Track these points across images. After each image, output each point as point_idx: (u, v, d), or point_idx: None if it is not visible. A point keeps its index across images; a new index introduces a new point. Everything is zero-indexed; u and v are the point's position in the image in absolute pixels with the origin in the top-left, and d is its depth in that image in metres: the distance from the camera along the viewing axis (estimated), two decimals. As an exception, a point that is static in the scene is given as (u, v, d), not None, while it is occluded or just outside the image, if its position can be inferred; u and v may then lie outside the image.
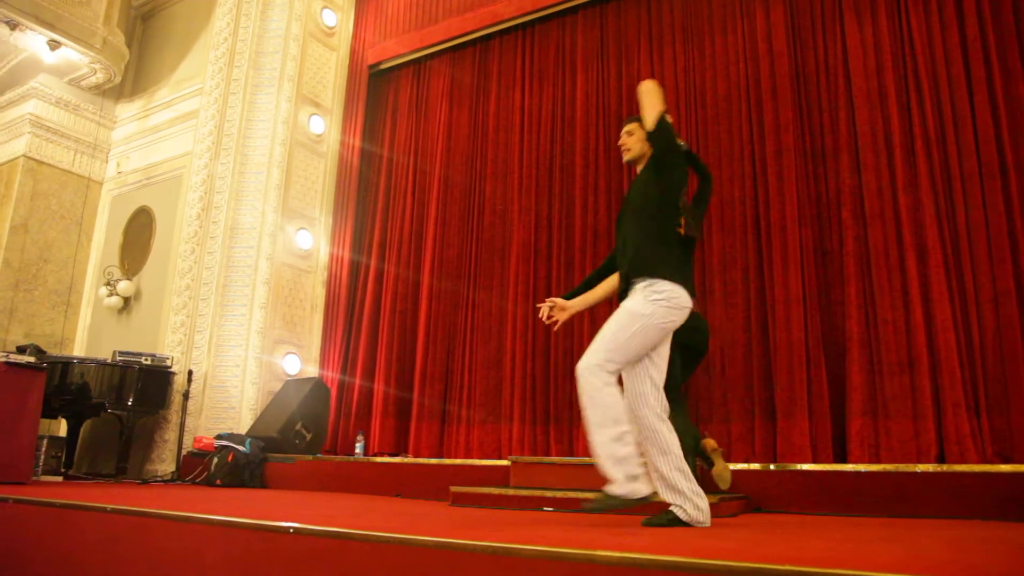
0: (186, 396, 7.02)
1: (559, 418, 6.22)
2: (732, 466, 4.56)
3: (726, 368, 5.58)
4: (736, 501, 4.11)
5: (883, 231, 5.17)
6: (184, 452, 6.88)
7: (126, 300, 8.26)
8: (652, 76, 6.50)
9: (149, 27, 9.59)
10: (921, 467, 4.03)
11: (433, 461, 5.77)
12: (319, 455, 6.59)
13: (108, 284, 8.26)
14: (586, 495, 4.19)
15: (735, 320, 5.62)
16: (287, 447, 6.48)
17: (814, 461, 4.87)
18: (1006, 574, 1.78)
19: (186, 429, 6.97)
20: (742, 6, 6.22)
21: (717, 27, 6.31)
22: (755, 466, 4.49)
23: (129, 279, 8.31)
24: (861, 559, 1.95)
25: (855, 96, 5.48)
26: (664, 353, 3.06)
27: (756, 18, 6.09)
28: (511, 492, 4.46)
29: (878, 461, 4.71)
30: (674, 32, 6.54)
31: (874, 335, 5.04)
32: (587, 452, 5.81)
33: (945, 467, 4.05)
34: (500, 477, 5.06)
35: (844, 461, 4.88)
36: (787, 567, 1.72)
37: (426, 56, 8.21)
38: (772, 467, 4.44)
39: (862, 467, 4.19)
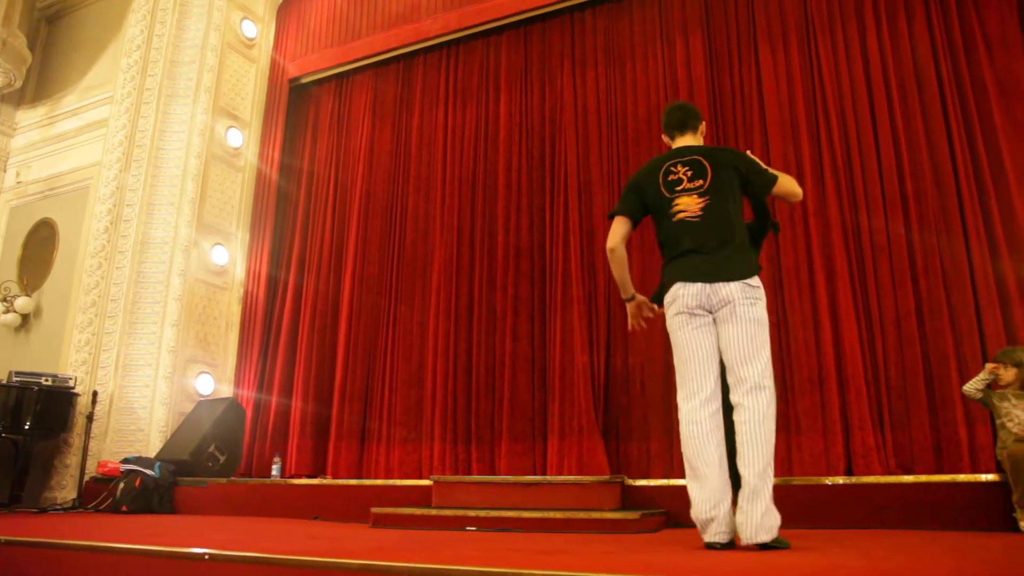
0: (90, 418, 6.68)
1: (481, 437, 6.19)
2: (652, 482, 4.64)
3: (645, 386, 5.67)
4: (657, 516, 4.18)
5: (795, 253, 5.37)
6: (87, 478, 6.53)
7: (24, 317, 7.82)
8: (575, 97, 6.62)
9: (55, 30, 9.19)
10: (831, 479, 4.18)
11: (353, 482, 5.66)
12: (233, 478, 6.36)
13: (4, 300, 7.81)
14: (508, 514, 4.19)
15: (655, 339, 5.71)
16: (200, 470, 6.23)
17: (730, 476, 4.98)
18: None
19: (90, 453, 6.62)
20: (662, 33, 6.40)
21: (639, 52, 6.47)
22: (675, 482, 4.56)
23: (28, 295, 7.88)
24: (779, 569, 2.00)
25: (769, 123, 5.70)
26: None
27: (676, 45, 6.28)
28: (433, 512, 4.41)
29: (791, 475, 4.86)
30: (597, 55, 6.68)
31: (787, 353, 5.22)
32: (509, 470, 5.84)
33: (853, 479, 4.21)
34: (421, 497, 5.00)
35: (759, 476, 5.01)
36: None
37: (349, 71, 8.13)
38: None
39: (775, 480, 4.30)
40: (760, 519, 2.60)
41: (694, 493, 2.80)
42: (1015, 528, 3.48)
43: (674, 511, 4.37)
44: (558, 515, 4.06)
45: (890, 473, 4.65)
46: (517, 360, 6.19)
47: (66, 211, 8.02)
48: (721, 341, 2.91)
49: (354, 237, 7.42)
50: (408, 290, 6.99)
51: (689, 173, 3.09)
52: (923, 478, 4.04)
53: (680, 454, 5.29)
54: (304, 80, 8.37)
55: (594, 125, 6.47)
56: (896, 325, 4.97)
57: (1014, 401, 3.76)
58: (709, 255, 2.95)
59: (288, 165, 8.21)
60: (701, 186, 3.05)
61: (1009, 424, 3.73)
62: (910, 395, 4.83)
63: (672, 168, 3.15)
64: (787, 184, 3.18)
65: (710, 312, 2.94)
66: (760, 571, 1.96)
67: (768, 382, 2.82)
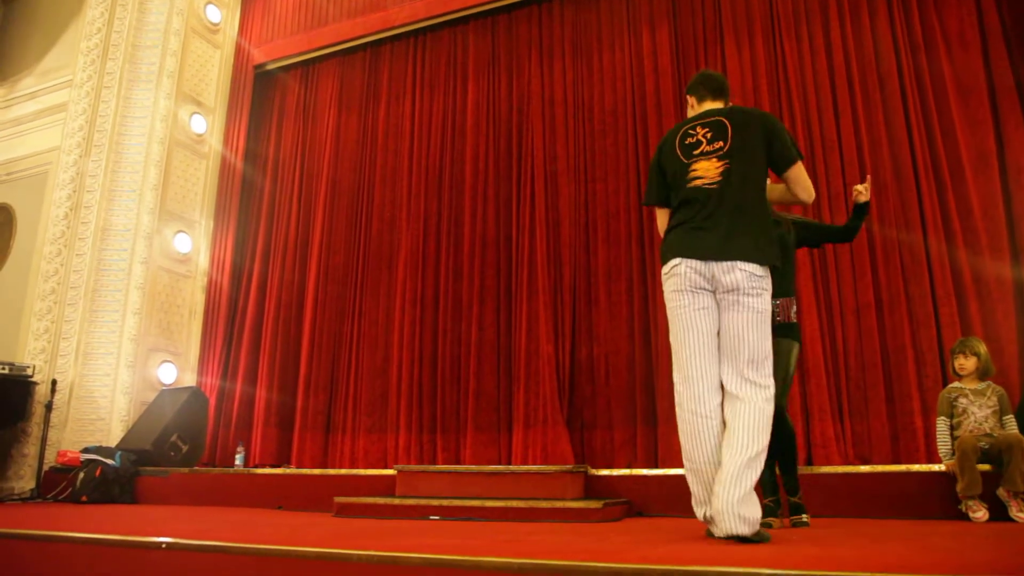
0: (49, 407, 6.57)
1: (446, 427, 6.20)
2: (615, 472, 4.67)
3: (610, 377, 5.71)
4: (619, 506, 4.22)
5: (757, 245, 5.43)
6: (46, 468, 6.42)
7: (-19, 305, 7.65)
8: (542, 88, 6.61)
9: (11, 11, 8.95)
10: (790, 469, 4.23)
11: (317, 472, 5.63)
12: (196, 468, 6.30)
13: (-39, 287, 7.63)
14: (471, 503, 4.20)
15: (619, 330, 5.77)
16: (162, 460, 6.17)
17: (692, 465, 5.03)
18: (856, 565, 1.90)
19: (49, 443, 6.51)
20: (630, 25, 6.42)
21: (605, 43, 6.48)
22: (638, 472, 4.61)
23: (-15, 282, 7.71)
24: (730, 557, 2.04)
25: (733, 116, 5.75)
26: None
27: (643, 37, 6.30)
28: (397, 502, 4.41)
29: (751, 464, 4.92)
30: (564, 46, 6.68)
31: (748, 344, 5.28)
32: (475, 460, 5.86)
33: (812, 469, 4.28)
34: (386, 487, 5.00)
35: (720, 465, 5.08)
36: (664, 566, 1.77)
37: (315, 59, 8.04)
38: (653, 472, 4.58)
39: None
40: (737, 507, 2.39)
41: (694, 488, 2.63)
42: (964, 516, 3.57)
43: (636, 501, 4.43)
44: (521, 504, 4.09)
45: (849, 463, 4.74)
46: (483, 350, 6.20)
47: (24, 196, 7.85)
48: (722, 328, 2.66)
49: (320, 226, 7.36)
50: (374, 280, 6.96)
51: (708, 135, 2.78)
52: (879, 468, 4.12)
53: (643, 446, 5.40)
54: (270, 66, 8.26)
55: (561, 116, 6.48)
56: (856, 317, 5.06)
57: (972, 398, 3.82)
58: (718, 228, 2.65)
59: (253, 152, 8.11)
60: (721, 148, 2.74)
61: (966, 423, 3.79)
62: (869, 386, 4.92)
63: (690, 131, 2.85)
64: (803, 176, 2.86)
65: (713, 292, 2.67)
66: (713, 558, 1.99)
67: (768, 381, 2.60)
